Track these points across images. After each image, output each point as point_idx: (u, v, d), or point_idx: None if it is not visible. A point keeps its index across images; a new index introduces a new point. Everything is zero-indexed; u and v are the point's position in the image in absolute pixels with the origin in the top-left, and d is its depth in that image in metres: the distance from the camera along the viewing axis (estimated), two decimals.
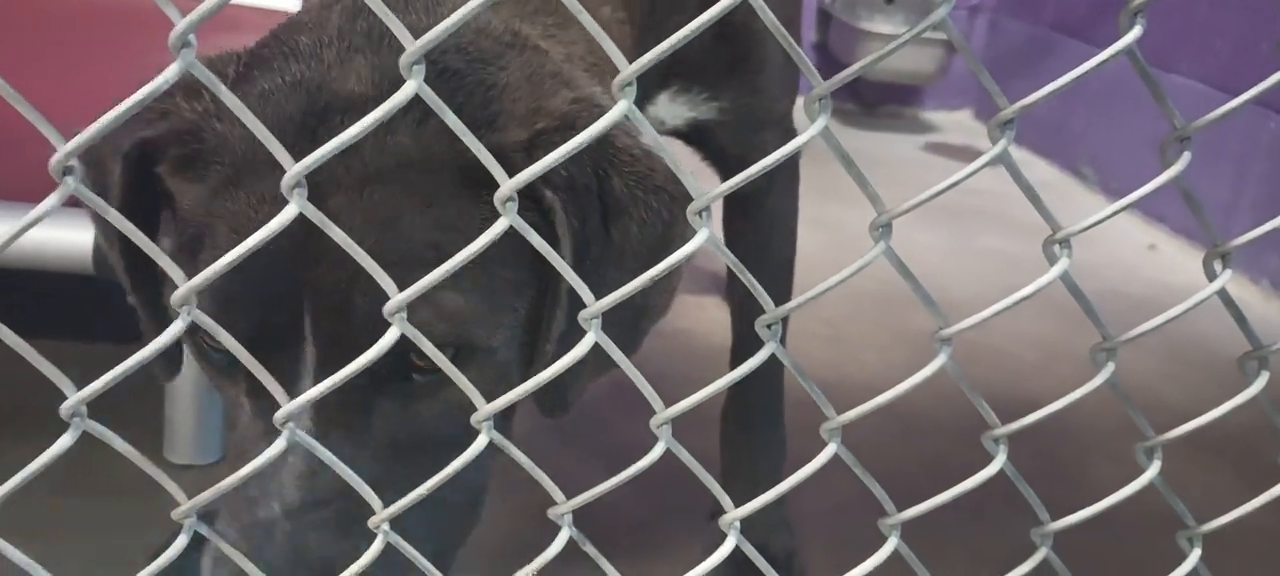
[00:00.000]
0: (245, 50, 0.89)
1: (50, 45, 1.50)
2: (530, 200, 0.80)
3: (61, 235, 1.39)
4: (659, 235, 0.87)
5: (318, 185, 0.76)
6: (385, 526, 0.72)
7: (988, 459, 0.81)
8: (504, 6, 0.94)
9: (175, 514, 0.68)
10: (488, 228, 0.64)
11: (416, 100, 0.59)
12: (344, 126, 0.76)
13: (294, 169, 0.59)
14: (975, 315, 0.74)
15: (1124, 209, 0.74)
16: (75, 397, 0.60)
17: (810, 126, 0.65)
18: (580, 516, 0.76)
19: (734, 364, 1.44)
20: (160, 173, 0.86)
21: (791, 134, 1.32)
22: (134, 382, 0.65)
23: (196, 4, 0.52)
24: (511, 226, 0.64)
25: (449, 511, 0.88)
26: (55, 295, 1.77)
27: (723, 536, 0.79)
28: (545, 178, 0.70)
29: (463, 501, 0.90)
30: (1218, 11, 3.08)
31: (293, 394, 0.79)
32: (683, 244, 0.68)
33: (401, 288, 0.65)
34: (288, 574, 0.79)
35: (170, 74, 0.52)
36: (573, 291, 0.73)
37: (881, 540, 0.82)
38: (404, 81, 0.59)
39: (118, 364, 0.60)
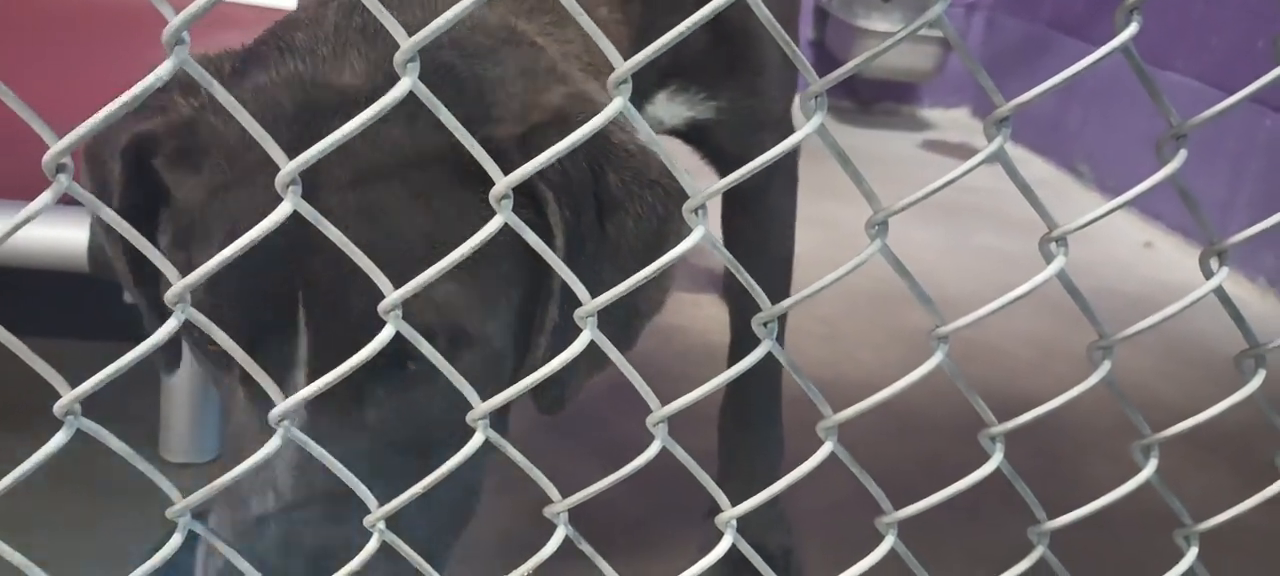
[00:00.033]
0: (242, 47, 0.89)
1: (50, 45, 1.50)
2: (525, 194, 0.80)
3: (57, 233, 1.39)
4: (654, 231, 0.87)
5: (312, 177, 0.76)
6: (381, 525, 0.72)
7: (984, 457, 0.81)
8: (500, 3, 0.94)
9: (170, 512, 0.68)
10: (482, 219, 0.64)
11: (411, 94, 0.59)
12: (337, 119, 0.77)
13: (288, 167, 0.59)
14: (971, 313, 0.74)
15: (1120, 206, 0.74)
16: (69, 396, 0.60)
17: (806, 124, 0.65)
18: (577, 514, 0.76)
19: (732, 362, 1.44)
20: (157, 166, 0.86)
21: (790, 133, 1.32)
22: (130, 380, 0.65)
23: (191, 2, 0.52)
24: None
25: (444, 505, 0.88)
26: (52, 293, 1.77)
27: (719, 534, 0.79)
28: (540, 172, 0.70)
29: (458, 495, 0.90)
30: (1214, 9, 3.08)
31: (287, 382, 0.80)
32: (678, 239, 0.68)
33: (395, 280, 0.65)
34: (282, 565, 0.79)
35: (163, 71, 0.52)
36: (566, 283, 0.73)
37: (878, 538, 0.82)
38: (398, 75, 0.59)
39: (113, 362, 0.60)
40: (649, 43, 0.61)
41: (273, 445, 0.68)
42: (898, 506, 0.81)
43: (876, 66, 3.86)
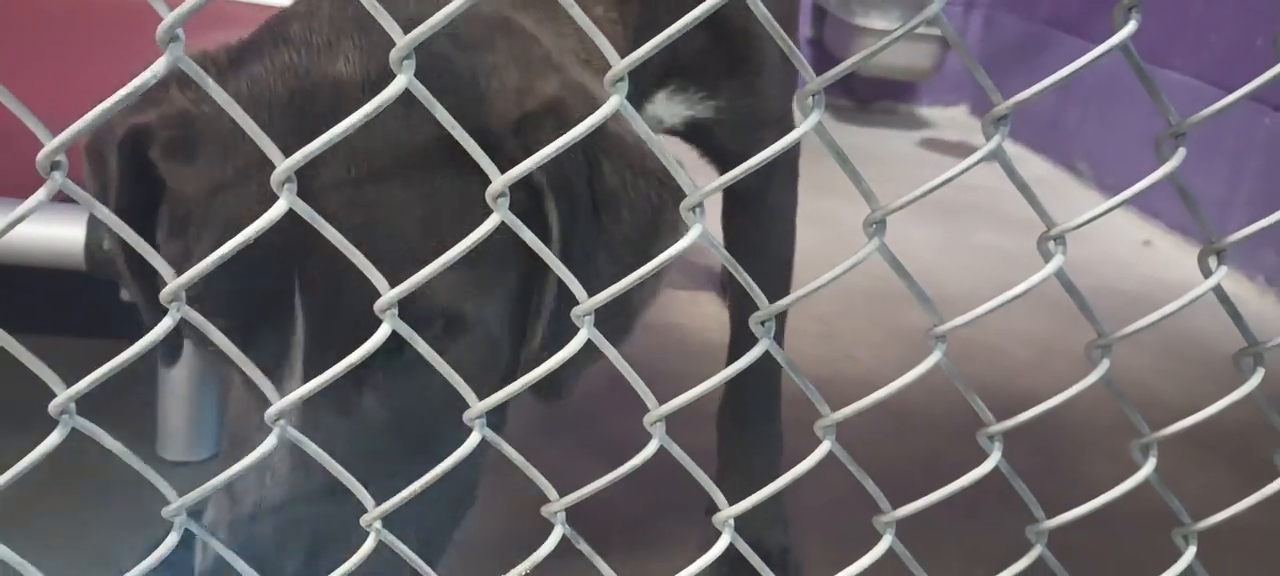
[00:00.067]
0: (238, 42, 0.90)
1: (49, 44, 1.49)
2: (520, 183, 0.80)
3: (54, 231, 1.39)
4: (649, 221, 0.87)
5: (307, 166, 0.77)
6: (377, 524, 0.72)
7: (982, 456, 0.81)
8: None
9: (166, 511, 0.68)
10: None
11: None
12: (332, 108, 0.77)
13: (283, 166, 0.59)
14: (970, 312, 0.74)
15: (1119, 205, 0.74)
16: (64, 395, 0.60)
17: (804, 122, 0.65)
18: (575, 513, 0.75)
19: (731, 360, 1.44)
20: (153, 158, 0.87)
21: (792, 131, 1.32)
22: (127, 378, 0.65)
23: None
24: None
25: (441, 497, 0.88)
26: (49, 291, 1.77)
27: (718, 533, 0.79)
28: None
29: (456, 488, 0.90)
30: (1212, 7, 3.08)
31: (284, 369, 0.80)
32: (673, 230, 0.68)
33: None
34: (280, 552, 0.79)
35: (158, 68, 0.52)
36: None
37: (876, 537, 0.82)
38: (392, 63, 0.59)
39: (109, 360, 0.60)
40: (646, 42, 0.61)
41: (269, 444, 0.68)
42: (896, 505, 0.81)
43: (875, 64, 3.86)
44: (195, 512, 0.70)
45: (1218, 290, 0.79)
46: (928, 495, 0.80)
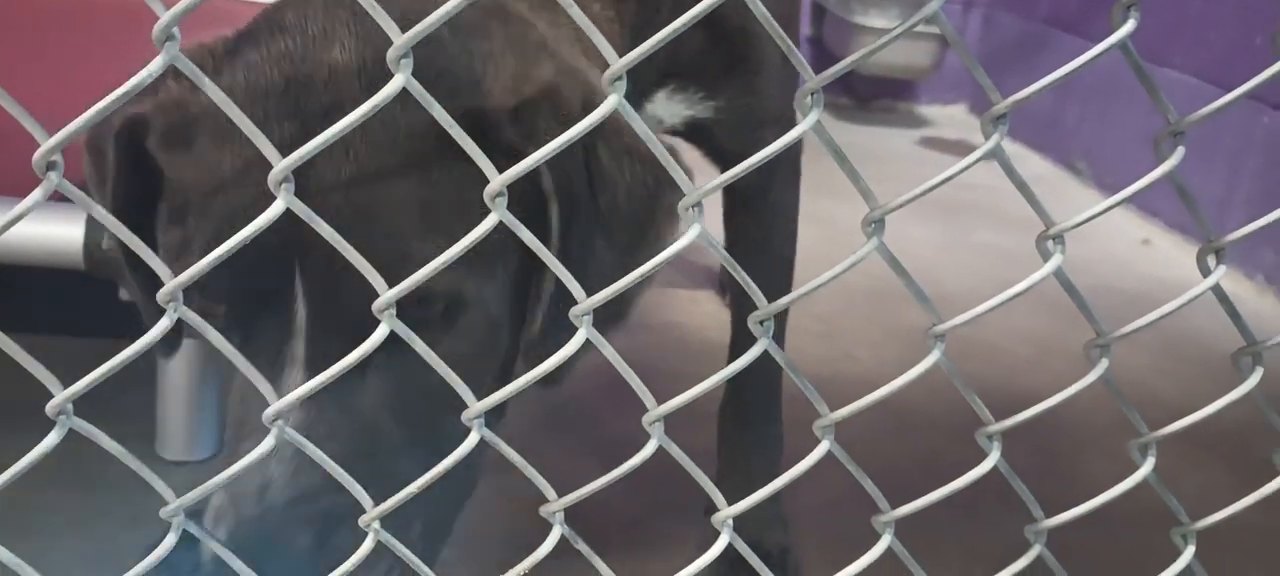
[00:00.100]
0: (235, 32, 0.91)
1: (48, 43, 1.49)
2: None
3: (52, 230, 1.38)
4: (645, 204, 0.87)
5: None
6: (376, 525, 0.72)
7: (981, 455, 0.81)
8: None
9: (163, 512, 0.68)
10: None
11: (403, 57, 0.59)
12: (327, 93, 0.79)
13: (280, 166, 0.59)
14: (969, 311, 0.74)
15: (1117, 204, 0.74)
16: (61, 395, 0.60)
17: (802, 121, 0.65)
18: (574, 512, 0.75)
19: (732, 359, 1.44)
20: (150, 148, 0.87)
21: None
22: (126, 378, 0.64)
23: None
24: (496, 179, 0.64)
25: (443, 485, 0.89)
26: (47, 291, 1.77)
27: (717, 533, 0.79)
28: (533, 141, 0.73)
29: (459, 471, 0.90)
30: (1211, 5, 3.08)
31: (286, 350, 0.81)
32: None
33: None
34: (287, 534, 0.80)
35: (154, 67, 0.52)
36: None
37: (875, 537, 0.82)
38: (386, 46, 0.59)
39: (107, 360, 0.60)
40: (644, 41, 0.61)
41: (268, 444, 0.68)
42: (895, 504, 0.81)
43: (874, 63, 3.86)
44: (194, 512, 0.70)
45: (1216, 289, 0.79)
46: (927, 494, 0.80)
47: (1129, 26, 0.67)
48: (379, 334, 0.65)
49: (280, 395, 0.78)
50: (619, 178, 0.86)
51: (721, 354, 1.49)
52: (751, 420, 1.47)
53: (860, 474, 0.79)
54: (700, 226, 0.67)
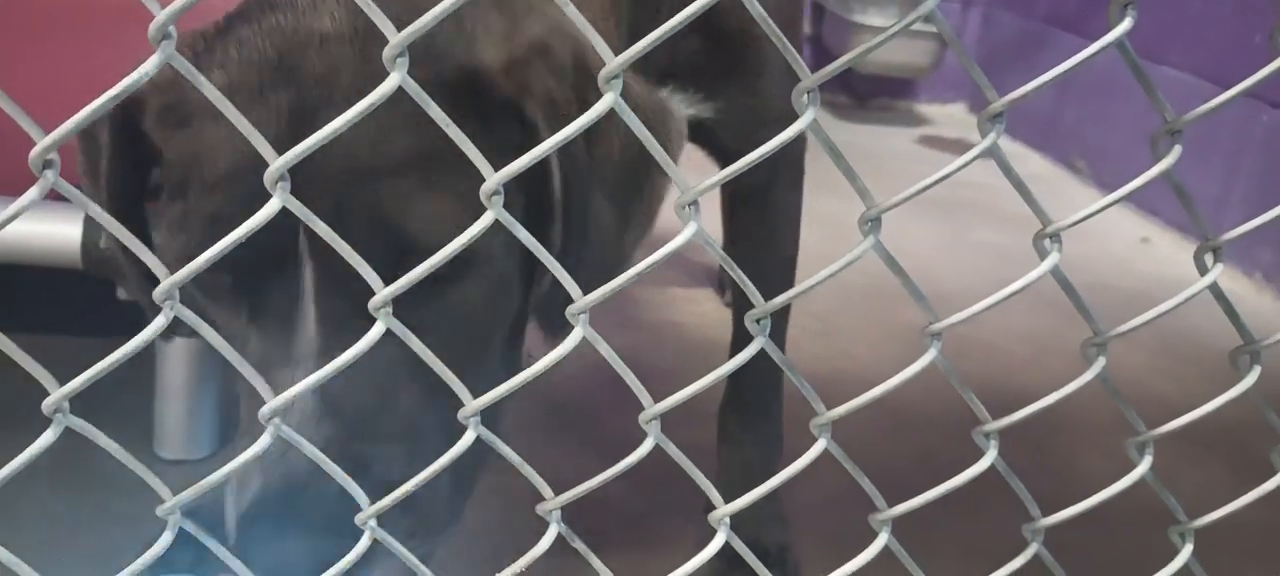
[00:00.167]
0: (226, 15, 0.91)
1: (47, 42, 1.49)
2: (515, 119, 0.83)
3: (49, 229, 1.38)
4: (639, 154, 0.88)
5: (300, 117, 0.80)
6: (372, 523, 0.72)
7: (978, 454, 0.81)
8: None
9: (160, 510, 0.68)
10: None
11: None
12: (320, 63, 0.81)
13: (277, 163, 0.59)
14: (966, 310, 0.74)
15: (1113, 203, 0.74)
16: (57, 393, 0.60)
17: (799, 119, 0.65)
18: (572, 510, 0.75)
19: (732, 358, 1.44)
20: (146, 129, 0.88)
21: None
22: (124, 376, 0.64)
23: None
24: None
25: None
26: (44, 289, 1.77)
27: (716, 531, 0.79)
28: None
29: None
30: (1209, 4, 3.08)
31: (295, 316, 0.81)
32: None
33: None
34: (312, 495, 0.79)
35: (150, 66, 0.52)
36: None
37: (872, 535, 0.82)
38: (387, 61, 0.59)
39: (105, 358, 0.60)
40: (640, 40, 0.61)
41: (264, 442, 0.68)
42: (892, 503, 0.81)
43: (873, 62, 3.86)
44: (191, 511, 0.70)
45: (1214, 287, 0.79)
46: (924, 493, 0.80)
47: (1126, 24, 0.67)
48: (375, 332, 0.65)
49: (295, 355, 0.81)
50: (612, 130, 0.87)
51: (720, 352, 1.49)
52: (751, 418, 1.47)
53: (857, 472, 0.79)
54: (697, 224, 0.67)
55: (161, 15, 0.51)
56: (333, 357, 0.78)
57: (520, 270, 0.89)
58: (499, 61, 0.85)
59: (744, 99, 1.25)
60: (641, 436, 0.74)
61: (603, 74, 0.62)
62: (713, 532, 0.79)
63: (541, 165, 0.82)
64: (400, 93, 0.80)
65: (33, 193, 0.53)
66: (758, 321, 0.72)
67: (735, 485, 1.04)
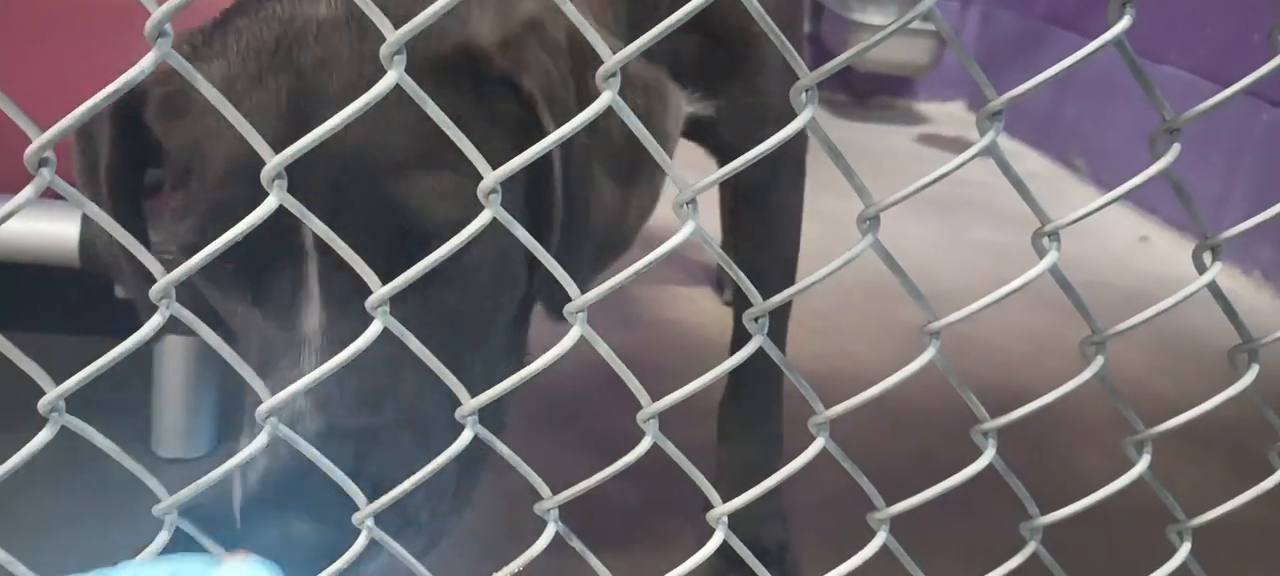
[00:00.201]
0: (222, 11, 0.92)
1: (47, 42, 1.49)
2: (513, 96, 0.84)
3: (47, 227, 1.38)
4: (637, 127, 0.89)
5: (300, 102, 0.81)
6: (369, 521, 0.72)
7: (977, 452, 0.81)
8: None
9: (156, 509, 0.68)
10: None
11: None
12: (318, 48, 0.82)
13: (273, 162, 0.59)
14: (964, 308, 0.74)
15: (1112, 202, 0.74)
16: (53, 392, 0.60)
17: (797, 117, 0.65)
18: (571, 508, 0.75)
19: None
20: (147, 120, 0.88)
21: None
22: (123, 374, 0.64)
23: None
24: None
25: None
26: (42, 288, 1.77)
27: (715, 530, 0.79)
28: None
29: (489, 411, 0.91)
30: (1208, 2, 3.08)
31: (300, 307, 0.82)
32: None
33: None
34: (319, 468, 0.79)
35: (146, 64, 0.52)
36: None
37: (871, 534, 0.82)
38: (384, 59, 0.59)
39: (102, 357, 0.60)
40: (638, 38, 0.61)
41: (260, 441, 0.67)
42: (890, 501, 0.81)
43: (872, 60, 3.86)
44: (187, 510, 0.70)
45: (1213, 286, 0.79)
46: (922, 491, 0.80)
47: (1124, 22, 0.67)
48: (373, 331, 0.65)
49: (302, 331, 0.81)
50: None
51: (719, 351, 1.49)
52: (751, 417, 1.47)
53: (856, 470, 0.79)
54: (695, 223, 0.67)
55: (157, 13, 0.51)
56: (338, 337, 0.79)
57: (522, 248, 0.89)
58: (494, 38, 0.86)
59: (745, 97, 1.25)
60: (640, 435, 0.73)
61: (601, 72, 0.62)
62: (711, 531, 0.79)
63: (537, 137, 0.83)
64: (402, 96, 0.81)
65: (28, 191, 0.53)
66: (756, 320, 0.72)
67: (734, 484, 1.04)
